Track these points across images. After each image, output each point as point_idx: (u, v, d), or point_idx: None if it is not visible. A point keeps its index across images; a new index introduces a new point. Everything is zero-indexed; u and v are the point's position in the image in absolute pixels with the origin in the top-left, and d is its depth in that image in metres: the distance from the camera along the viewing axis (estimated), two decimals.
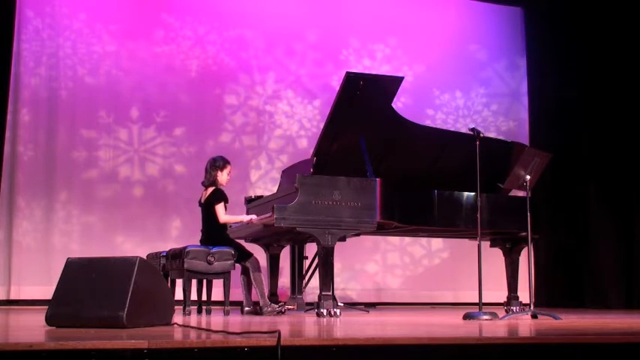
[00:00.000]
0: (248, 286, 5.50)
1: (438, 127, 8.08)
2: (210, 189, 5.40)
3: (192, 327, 3.52)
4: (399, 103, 7.97)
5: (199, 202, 5.52)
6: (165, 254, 5.41)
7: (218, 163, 5.43)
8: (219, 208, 5.32)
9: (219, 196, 5.35)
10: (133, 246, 7.21)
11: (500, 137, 8.10)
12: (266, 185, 7.74)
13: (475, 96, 8.77)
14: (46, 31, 7.34)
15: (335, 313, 4.89)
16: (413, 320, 4.76)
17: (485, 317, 4.63)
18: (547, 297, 8.04)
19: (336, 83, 7.57)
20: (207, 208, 5.39)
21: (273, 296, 6.03)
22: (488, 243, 6.06)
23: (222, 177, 5.44)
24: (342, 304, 6.06)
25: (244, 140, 7.86)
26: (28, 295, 6.87)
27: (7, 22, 7.10)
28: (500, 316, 4.84)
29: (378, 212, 5.00)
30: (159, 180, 7.54)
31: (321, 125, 6.17)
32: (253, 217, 5.42)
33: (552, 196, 7.90)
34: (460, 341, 2.94)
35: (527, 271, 5.08)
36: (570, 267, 8.21)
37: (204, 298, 5.38)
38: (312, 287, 6.24)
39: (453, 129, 8.07)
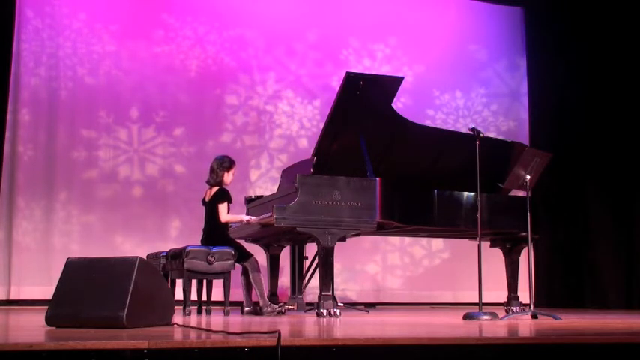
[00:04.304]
0: (248, 287, 5.50)
1: (438, 127, 8.08)
2: (216, 188, 5.39)
3: (192, 327, 3.52)
4: (399, 103, 7.98)
5: (203, 200, 5.51)
6: (165, 254, 5.41)
7: (226, 163, 5.43)
8: (223, 207, 5.32)
9: (224, 196, 5.34)
10: (133, 246, 7.21)
11: (500, 137, 8.10)
12: (266, 185, 7.74)
13: (475, 96, 8.77)
14: (46, 31, 7.34)
15: (335, 313, 4.89)
16: (413, 320, 4.76)
17: (485, 317, 4.63)
18: (547, 297, 8.04)
19: (336, 83, 7.57)
20: (211, 207, 5.38)
21: (273, 296, 6.03)
22: (489, 243, 6.06)
23: (228, 177, 5.44)
24: (342, 304, 6.06)
25: (244, 140, 7.86)
26: (28, 295, 6.87)
27: (7, 22, 7.10)
28: (500, 316, 4.84)
29: (378, 212, 5.00)
30: (158, 180, 7.54)
31: (321, 125, 6.18)
32: (253, 218, 5.42)
33: (552, 196, 7.90)
34: (460, 341, 2.94)
35: (527, 271, 5.08)
36: (570, 267, 8.21)
37: (204, 298, 5.37)
38: (312, 287, 6.24)
39: (453, 129, 8.07)
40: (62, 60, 7.36)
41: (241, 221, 5.48)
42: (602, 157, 8.07)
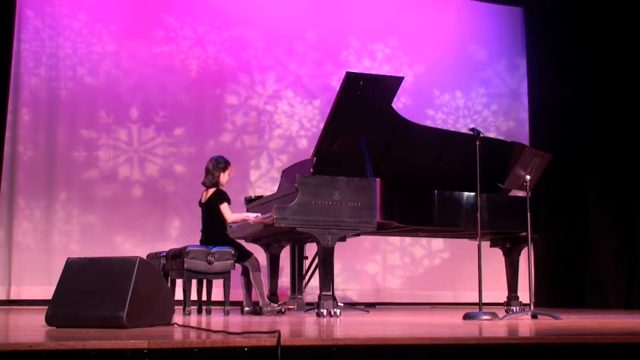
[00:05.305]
0: (248, 286, 5.50)
1: (438, 127, 8.08)
2: (212, 190, 5.38)
3: (192, 327, 3.52)
4: (399, 103, 7.97)
5: (199, 202, 5.50)
6: (165, 254, 5.41)
7: (222, 164, 5.41)
8: (225, 208, 5.31)
9: (223, 196, 5.33)
10: (133, 246, 7.21)
11: (500, 137, 8.10)
12: (266, 185, 7.74)
13: (475, 96, 8.77)
14: (46, 31, 7.34)
15: (335, 313, 4.88)
16: (413, 320, 4.76)
17: (485, 317, 4.63)
18: (547, 297, 8.04)
19: (336, 83, 7.57)
20: (209, 209, 5.37)
21: (273, 296, 6.02)
22: (489, 243, 6.06)
23: (224, 178, 5.42)
24: (342, 304, 6.06)
25: (244, 140, 7.86)
26: (28, 295, 6.87)
27: (7, 22, 7.10)
28: (500, 316, 4.84)
29: (378, 212, 5.00)
30: (158, 180, 7.54)
31: (321, 125, 6.18)
32: (259, 215, 5.38)
33: (552, 196, 7.90)
34: (460, 341, 2.94)
35: (527, 271, 5.08)
36: (570, 267, 8.21)
37: (204, 298, 5.37)
38: (312, 287, 6.24)
39: (453, 129, 8.07)
40: (62, 60, 7.36)
41: (245, 219, 5.44)
42: (603, 157, 8.08)
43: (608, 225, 8.06)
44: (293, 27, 8.19)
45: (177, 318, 3.94)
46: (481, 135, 4.97)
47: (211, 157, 5.51)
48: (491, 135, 8.33)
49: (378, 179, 5.05)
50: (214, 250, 5.14)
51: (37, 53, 7.28)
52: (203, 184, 5.46)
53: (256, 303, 5.40)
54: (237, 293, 5.78)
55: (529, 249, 5.19)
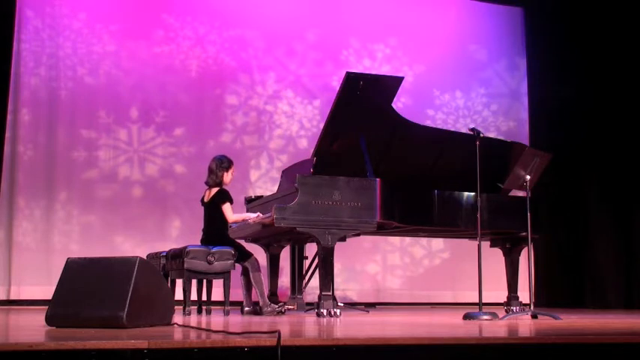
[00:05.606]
0: (248, 287, 5.50)
1: (438, 127, 8.09)
2: (215, 189, 5.37)
3: (192, 327, 3.52)
4: (399, 103, 7.98)
5: (202, 201, 5.50)
6: (165, 254, 5.40)
7: (225, 163, 5.40)
8: (227, 208, 5.31)
9: (226, 196, 5.33)
10: (133, 246, 7.21)
11: (500, 137, 8.10)
12: (266, 185, 7.74)
13: (475, 96, 8.77)
14: (46, 31, 7.34)
15: (335, 313, 4.89)
16: (413, 320, 4.76)
17: (485, 317, 4.63)
18: (547, 297, 8.04)
19: (336, 83, 7.57)
20: (211, 208, 5.36)
21: (273, 296, 6.02)
22: (489, 243, 6.06)
23: (228, 177, 5.42)
24: (342, 304, 6.06)
25: (244, 140, 7.86)
26: (28, 295, 6.87)
27: (7, 22, 7.11)
28: (500, 316, 4.84)
29: (378, 212, 5.00)
30: (158, 180, 7.54)
31: (321, 125, 6.18)
32: (259, 215, 5.38)
33: (552, 196, 7.90)
34: (460, 341, 2.94)
35: (528, 271, 5.08)
36: (570, 267, 8.21)
37: (204, 298, 5.37)
38: (312, 287, 6.24)
39: (453, 129, 8.07)
40: (62, 60, 7.36)
41: (246, 219, 5.43)
42: (603, 157, 8.08)
43: (608, 225, 8.06)
44: (293, 27, 8.19)
45: (177, 318, 3.94)
46: (481, 135, 4.97)
47: (214, 157, 5.51)
48: (491, 135, 8.33)
49: (378, 179, 5.05)
50: (214, 250, 5.14)
51: (37, 53, 7.28)
52: (206, 183, 5.45)
53: (256, 303, 5.40)
54: (237, 293, 5.77)
55: (529, 249, 5.19)
